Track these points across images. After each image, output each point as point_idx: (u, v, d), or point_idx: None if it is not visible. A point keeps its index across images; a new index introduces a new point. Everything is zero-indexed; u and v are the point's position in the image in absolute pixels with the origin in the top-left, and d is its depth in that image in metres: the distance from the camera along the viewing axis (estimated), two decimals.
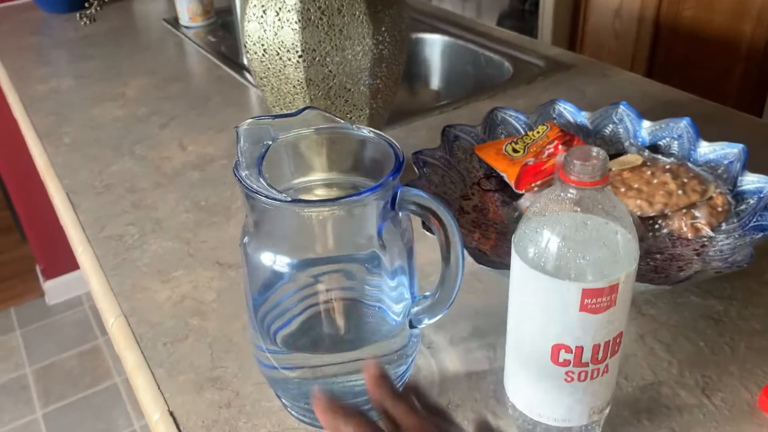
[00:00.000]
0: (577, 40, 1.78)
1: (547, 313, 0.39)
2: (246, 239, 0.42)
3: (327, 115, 0.44)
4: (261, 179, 0.39)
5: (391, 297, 0.44)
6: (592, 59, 1.08)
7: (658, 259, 0.61)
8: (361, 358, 0.44)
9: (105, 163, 0.86)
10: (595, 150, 0.37)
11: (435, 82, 1.23)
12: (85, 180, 0.82)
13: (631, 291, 0.40)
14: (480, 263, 0.55)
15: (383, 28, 0.61)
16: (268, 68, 0.62)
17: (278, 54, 0.60)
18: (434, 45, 1.20)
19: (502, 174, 0.72)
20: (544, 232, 0.38)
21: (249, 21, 0.61)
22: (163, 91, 1.06)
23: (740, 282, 0.60)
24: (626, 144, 0.73)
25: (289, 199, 0.38)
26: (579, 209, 0.38)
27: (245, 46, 0.63)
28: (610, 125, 0.77)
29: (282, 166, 0.44)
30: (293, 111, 0.44)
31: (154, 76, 1.11)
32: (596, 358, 0.40)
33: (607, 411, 0.45)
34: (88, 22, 1.37)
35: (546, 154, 0.71)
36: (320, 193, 0.45)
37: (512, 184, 0.71)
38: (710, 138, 0.70)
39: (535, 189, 0.69)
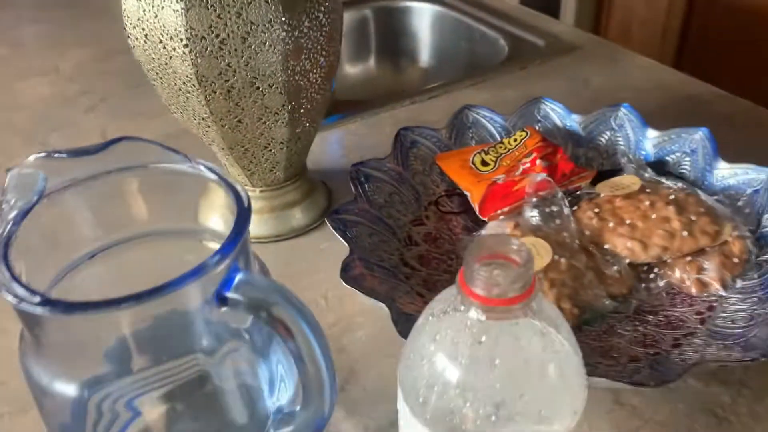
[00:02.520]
0: (602, 18, 1.59)
1: None
2: (25, 354, 0.29)
3: (153, 146, 0.30)
4: (2, 265, 0.25)
5: (239, 413, 0.31)
6: (602, 39, 0.91)
7: (649, 323, 0.47)
8: None
9: (9, 154, 0.73)
10: (515, 243, 0.23)
11: (424, 58, 1.07)
12: None
13: None
14: (404, 337, 0.41)
15: (299, 11, 0.46)
16: (153, 59, 0.48)
17: (161, 42, 0.46)
18: (423, 15, 1.04)
19: (466, 193, 0.58)
20: (433, 366, 0.24)
21: None
22: (103, 64, 0.92)
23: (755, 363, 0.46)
24: (623, 160, 0.58)
25: (37, 299, 0.24)
26: (484, 338, 0.24)
27: (125, 30, 0.49)
28: (607, 132, 0.61)
29: (79, 222, 0.30)
30: (103, 142, 0.30)
31: (97, 47, 0.97)
32: None
33: None
34: None
35: (520, 170, 0.57)
36: (142, 252, 0.32)
37: (476, 207, 0.57)
38: (734, 150, 0.55)
39: (501, 217, 0.54)
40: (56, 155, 0.29)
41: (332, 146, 0.72)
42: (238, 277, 0.27)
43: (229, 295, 0.27)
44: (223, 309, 0.28)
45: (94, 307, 0.25)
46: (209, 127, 0.51)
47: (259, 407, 0.32)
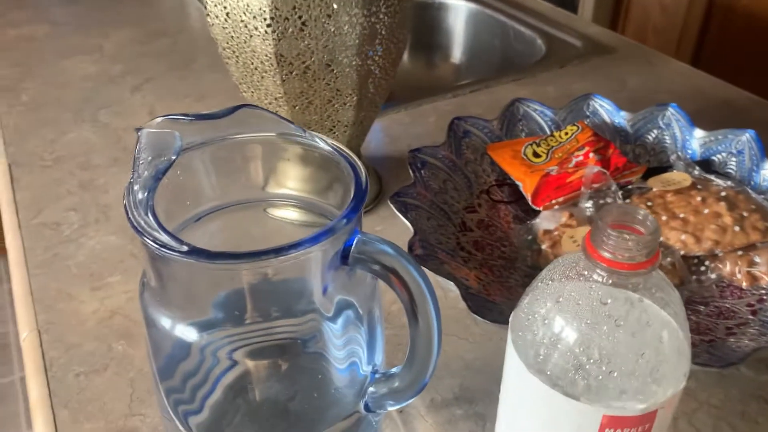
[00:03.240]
0: (620, 14, 1.61)
1: None
2: (144, 292, 0.31)
3: (270, 115, 0.32)
4: (149, 214, 0.27)
5: (339, 374, 0.33)
6: (636, 43, 0.93)
7: (700, 313, 0.49)
8: None
9: (61, 129, 0.74)
10: (641, 213, 0.25)
11: (456, 54, 1.09)
12: (34, 149, 0.71)
13: (673, 414, 0.28)
14: (475, 312, 0.43)
15: None
16: (232, 37, 0.49)
17: (243, 21, 0.48)
18: (458, 12, 1.06)
19: (517, 182, 0.60)
20: (553, 326, 0.26)
21: None
22: (146, 46, 0.93)
23: None
24: (672, 157, 0.59)
25: (185, 248, 0.26)
26: (610, 301, 0.25)
27: (205, 8, 0.50)
28: (655, 130, 0.63)
29: (200, 181, 0.32)
30: (226, 108, 0.32)
31: (139, 28, 0.98)
32: None
33: None
34: None
35: (573, 162, 0.58)
36: (266, 213, 0.33)
37: (528, 196, 0.58)
38: None
39: (556, 207, 0.56)
40: (182, 118, 0.31)
41: (379, 134, 0.73)
42: (359, 237, 0.29)
43: (352, 252, 0.29)
44: (345, 267, 0.29)
45: (234, 257, 0.26)
46: (280, 107, 0.52)
47: (359, 369, 0.34)
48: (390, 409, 0.33)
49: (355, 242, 0.29)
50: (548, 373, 0.26)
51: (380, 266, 0.29)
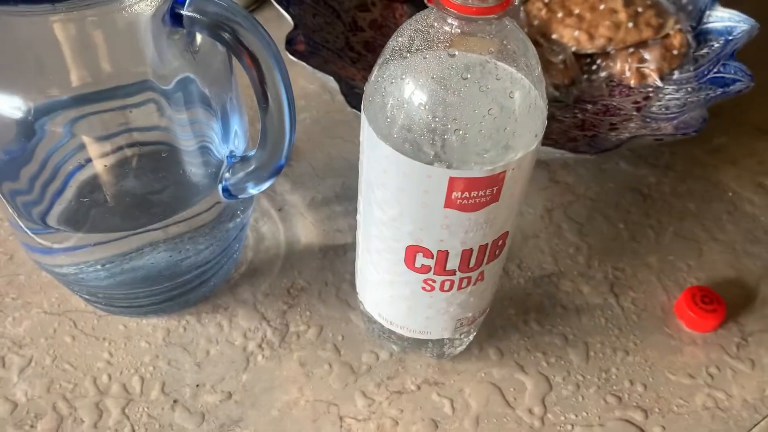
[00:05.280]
0: None
1: (400, 205, 0.27)
2: None
3: None
4: None
5: (187, 155, 0.31)
6: None
7: (588, 111, 0.49)
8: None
9: None
10: None
11: None
12: None
13: (528, 176, 0.27)
14: (354, 107, 0.41)
15: None
16: None
17: None
18: None
19: None
20: (400, 85, 0.24)
21: None
22: None
23: (682, 147, 0.49)
24: None
25: None
26: (457, 52, 0.23)
27: None
28: None
29: None
30: None
31: None
32: (467, 266, 0.29)
33: (481, 319, 0.34)
34: None
35: None
36: None
37: None
38: None
39: None
40: None
41: None
42: None
43: (185, 12, 0.25)
44: (181, 31, 0.26)
45: (30, 2, 0.23)
46: None
47: (212, 153, 0.31)
48: (252, 191, 0.32)
49: None
50: (395, 136, 0.24)
51: (220, 29, 0.26)
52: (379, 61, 0.26)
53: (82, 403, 0.33)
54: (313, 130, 0.49)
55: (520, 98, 0.24)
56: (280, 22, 0.46)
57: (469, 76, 0.23)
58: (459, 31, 0.23)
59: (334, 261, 0.40)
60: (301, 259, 0.40)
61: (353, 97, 0.42)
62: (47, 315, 0.37)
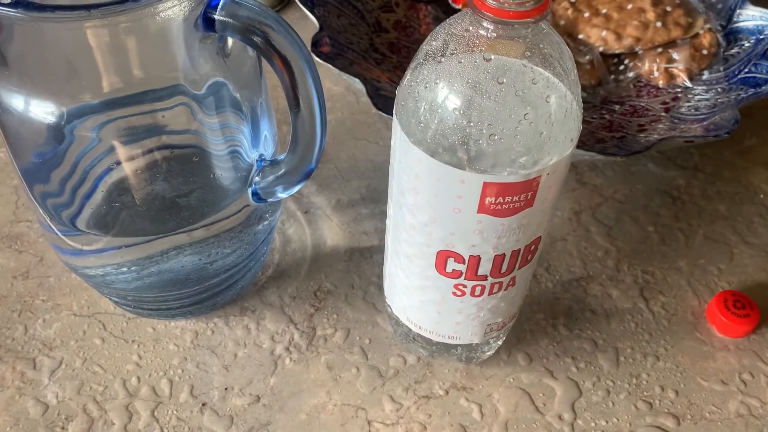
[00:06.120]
0: None
1: (432, 210, 0.26)
2: None
3: None
4: None
5: (218, 160, 0.31)
6: None
7: (615, 112, 0.48)
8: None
9: None
10: None
11: None
12: None
13: (562, 181, 0.27)
14: (380, 110, 0.40)
15: None
16: None
17: None
18: None
19: None
20: (434, 89, 0.24)
21: None
22: None
23: (711, 149, 0.48)
24: None
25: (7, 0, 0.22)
26: (493, 56, 0.23)
27: None
28: None
29: None
30: None
31: None
32: (498, 271, 0.28)
33: (511, 324, 0.34)
34: None
35: None
36: None
37: None
38: None
39: None
40: None
41: None
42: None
43: (218, 16, 0.25)
44: (213, 35, 0.26)
45: (73, 9, 0.23)
46: None
47: (242, 157, 0.31)
48: (281, 195, 0.32)
49: (222, 2, 0.25)
50: (428, 141, 0.24)
51: (251, 33, 0.26)
52: (412, 64, 0.26)
53: (112, 405, 0.34)
54: (338, 132, 0.49)
55: (556, 103, 0.24)
56: (304, 24, 0.46)
57: (504, 80, 0.23)
58: (495, 35, 0.23)
59: (361, 263, 0.40)
60: (327, 262, 0.40)
61: (379, 99, 0.42)
62: (77, 317, 0.37)
